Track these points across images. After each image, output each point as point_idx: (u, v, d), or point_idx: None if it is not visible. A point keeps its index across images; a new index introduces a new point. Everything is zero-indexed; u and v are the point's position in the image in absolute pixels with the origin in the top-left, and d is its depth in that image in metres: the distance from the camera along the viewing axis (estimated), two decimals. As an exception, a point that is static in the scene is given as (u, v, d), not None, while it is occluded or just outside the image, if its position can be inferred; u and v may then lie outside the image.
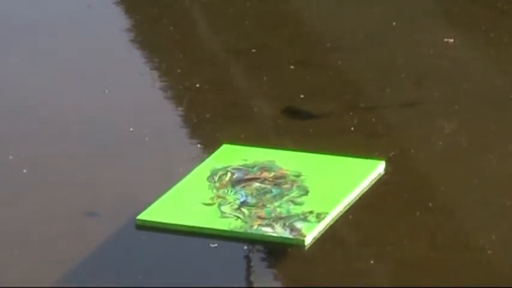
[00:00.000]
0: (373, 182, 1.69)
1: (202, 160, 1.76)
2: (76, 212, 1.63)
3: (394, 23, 2.43)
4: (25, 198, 1.68)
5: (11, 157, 1.83)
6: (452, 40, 2.26)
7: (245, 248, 1.49)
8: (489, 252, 1.44)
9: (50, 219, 1.60)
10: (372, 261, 1.42)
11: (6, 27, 2.47)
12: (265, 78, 2.15)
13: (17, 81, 2.20)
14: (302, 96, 2.05)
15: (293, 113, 1.99)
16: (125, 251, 1.50)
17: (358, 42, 2.35)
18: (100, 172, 1.78)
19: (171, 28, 2.48)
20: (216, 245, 1.49)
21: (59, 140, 1.92)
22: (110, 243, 1.50)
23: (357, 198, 1.63)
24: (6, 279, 1.40)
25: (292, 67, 2.20)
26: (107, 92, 2.12)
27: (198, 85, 2.13)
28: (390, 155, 1.78)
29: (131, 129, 1.95)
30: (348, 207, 1.60)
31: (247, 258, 1.49)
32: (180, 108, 2.06)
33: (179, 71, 2.24)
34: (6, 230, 1.58)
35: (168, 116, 2.03)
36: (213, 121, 1.98)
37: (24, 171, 1.77)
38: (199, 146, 1.88)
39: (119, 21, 2.51)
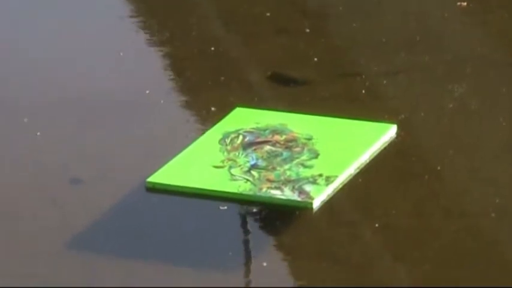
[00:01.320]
0: (385, 145, 1.69)
1: (215, 123, 1.77)
2: (88, 175, 1.65)
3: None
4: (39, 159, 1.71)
5: (25, 120, 1.86)
6: (465, 3, 2.24)
7: (254, 210, 1.51)
8: (492, 215, 1.45)
9: (60, 182, 1.63)
10: (376, 225, 1.43)
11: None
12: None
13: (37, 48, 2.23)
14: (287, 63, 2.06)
15: (281, 79, 1.99)
16: (135, 213, 1.52)
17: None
18: (113, 134, 1.80)
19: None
20: (225, 207, 1.51)
21: (72, 104, 1.94)
22: (121, 206, 1.53)
23: (368, 161, 1.64)
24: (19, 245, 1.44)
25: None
26: (121, 54, 2.15)
27: (212, 48, 2.14)
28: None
29: (147, 91, 1.96)
30: (358, 170, 1.60)
31: (256, 221, 1.51)
32: (195, 72, 2.07)
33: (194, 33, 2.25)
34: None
35: (181, 78, 2.04)
36: (227, 84, 1.99)
37: (38, 133, 1.80)
38: (213, 108, 1.87)
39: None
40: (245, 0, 2.42)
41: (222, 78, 2.01)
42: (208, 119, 1.81)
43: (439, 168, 1.61)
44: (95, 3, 2.46)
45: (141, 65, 2.12)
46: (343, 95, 1.89)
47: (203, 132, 1.74)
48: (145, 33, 2.28)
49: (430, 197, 1.52)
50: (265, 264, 1.35)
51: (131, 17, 2.36)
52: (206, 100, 1.92)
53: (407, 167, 1.63)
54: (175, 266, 1.35)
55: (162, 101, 1.92)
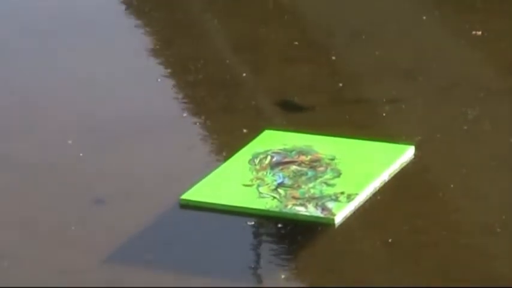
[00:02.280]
0: (403, 165, 1.80)
1: (245, 144, 1.89)
2: (125, 192, 1.77)
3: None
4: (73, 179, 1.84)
5: (70, 141, 1.99)
6: (480, 32, 2.34)
7: (279, 225, 1.62)
8: (498, 230, 1.55)
9: (100, 198, 1.75)
10: (389, 240, 1.53)
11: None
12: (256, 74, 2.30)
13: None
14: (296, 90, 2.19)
15: (289, 106, 2.10)
16: (169, 229, 1.64)
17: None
18: (147, 154, 1.93)
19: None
20: (252, 222, 1.62)
21: (116, 123, 2.08)
22: (156, 222, 1.64)
23: (387, 180, 1.74)
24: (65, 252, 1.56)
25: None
26: (159, 80, 2.28)
27: (244, 74, 2.26)
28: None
29: (184, 114, 2.09)
30: (378, 188, 1.71)
31: (281, 236, 1.62)
32: (226, 97, 2.20)
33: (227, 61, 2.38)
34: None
35: (213, 104, 2.17)
36: (256, 108, 2.11)
37: (80, 154, 1.93)
38: (244, 131, 1.99)
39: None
40: (253, 29, 2.56)
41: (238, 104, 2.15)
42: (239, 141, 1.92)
43: (452, 186, 1.72)
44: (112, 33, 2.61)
45: (160, 91, 2.26)
46: (347, 121, 2.00)
47: (234, 153, 1.86)
48: (161, 62, 2.43)
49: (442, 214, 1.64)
50: (283, 276, 1.46)
51: (146, 49, 2.51)
52: (237, 123, 2.04)
53: (424, 185, 1.74)
54: (202, 276, 1.46)
55: (197, 124, 2.05)
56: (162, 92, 2.24)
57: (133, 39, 2.54)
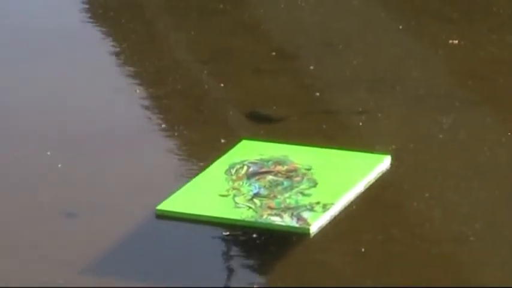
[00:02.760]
0: (380, 175, 1.81)
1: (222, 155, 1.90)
2: (100, 204, 1.77)
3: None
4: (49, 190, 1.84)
5: (48, 153, 1.99)
6: (456, 41, 2.37)
7: (254, 236, 1.62)
8: (471, 239, 1.56)
9: (71, 209, 1.75)
10: (362, 250, 1.54)
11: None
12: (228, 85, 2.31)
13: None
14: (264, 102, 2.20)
15: (257, 117, 2.11)
16: (144, 240, 1.64)
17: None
18: (122, 166, 1.93)
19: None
20: (228, 233, 1.63)
21: (89, 135, 2.07)
22: (131, 233, 1.64)
23: (364, 189, 1.75)
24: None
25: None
26: (137, 91, 2.29)
27: (217, 85, 2.28)
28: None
29: (160, 126, 2.09)
30: (354, 198, 1.72)
31: (256, 246, 1.62)
32: (199, 108, 2.21)
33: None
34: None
35: (187, 115, 2.18)
36: (228, 119, 2.13)
37: (58, 164, 1.93)
38: (222, 141, 1.99)
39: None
40: (226, 41, 2.57)
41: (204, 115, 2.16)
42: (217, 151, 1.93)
43: (427, 195, 1.73)
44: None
45: (134, 103, 2.26)
46: (320, 132, 2.02)
47: (211, 163, 1.86)
48: (133, 73, 2.44)
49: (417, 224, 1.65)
50: (255, 286, 1.47)
51: (118, 61, 2.52)
52: (215, 132, 2.05)
53: (399, 195, 1.75)
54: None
55: (175, 134, 2.06)
56: (135, 103, 2.24)
57: (104, 51, 2.55)
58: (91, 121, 2.15)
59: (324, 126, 2.05)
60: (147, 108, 2.22)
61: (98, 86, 2.36)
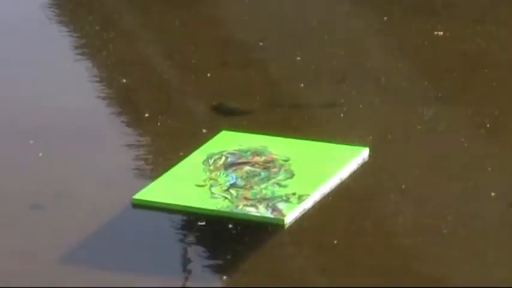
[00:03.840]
0: (358, 166, 1.81)
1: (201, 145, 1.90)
2: (80, 192, 1.78)
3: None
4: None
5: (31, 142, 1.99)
6: (441, 33, 2.37)
7: (230, 226, 1.63)
8: (444, 232, 1.57)
9: (55, 199, 1.76)
10: (335, 242, 1.55)
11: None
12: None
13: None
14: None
15: (224, 110, 2.11)
16: (119, 229, 1.64)
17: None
18: (108, 154, 1.94)
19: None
20: (204, 223, 1.63)
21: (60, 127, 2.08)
22: (107, 223, 1.65)
23: (340, 181, 1.76)
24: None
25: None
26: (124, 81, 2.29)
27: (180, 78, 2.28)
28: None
29: (146, 114, 2.09)
30: (330, 190, 1.72)
31: (230, 237, 1.63)
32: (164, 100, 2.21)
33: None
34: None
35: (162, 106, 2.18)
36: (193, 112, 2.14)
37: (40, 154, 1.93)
38: (204, 131, 1.99)
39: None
40: (190, 35, 2.57)
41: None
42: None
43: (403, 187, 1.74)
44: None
45: (98, 98, 2.25)
46: (283, 124, 2.02)
47: (189, 153, 1.87)
48: (98, 65, 2.43)
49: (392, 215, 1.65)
50: (225, 277, 1.48)
51: (82, 53, 2.51)
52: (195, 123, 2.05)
53: (375, 187, 1.76)
54: (149, 276, 1.47)
55: (158, 123, 2.06)
56: (105, 96, 2.24)
57: (64, 43, 2.55)
58: (61, 113, 2.14)
59: (292, 119, 2.06)
60: (114, 100, 2.22)
61: (65, 78, 2.35)
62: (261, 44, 2.46)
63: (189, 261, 1.53)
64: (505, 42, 2.39)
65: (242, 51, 2.45)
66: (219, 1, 2.84)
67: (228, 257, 1.55)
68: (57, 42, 2.57)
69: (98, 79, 2.35)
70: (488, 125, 1.96)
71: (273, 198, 1.68)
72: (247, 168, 1.80)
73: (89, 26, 2.68)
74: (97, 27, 2.67)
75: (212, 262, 1.54)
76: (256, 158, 1.83)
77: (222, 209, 1.66)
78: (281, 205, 1.65)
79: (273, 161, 1.82)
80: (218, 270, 1.51)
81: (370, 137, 1.90)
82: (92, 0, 2.86)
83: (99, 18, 2.73)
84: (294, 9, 2.68)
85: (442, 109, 2.06)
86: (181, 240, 1.62)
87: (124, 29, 2.66)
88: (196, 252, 1.58)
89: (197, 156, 1.85)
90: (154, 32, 2.64)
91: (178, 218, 1.68)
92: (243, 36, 2.56)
